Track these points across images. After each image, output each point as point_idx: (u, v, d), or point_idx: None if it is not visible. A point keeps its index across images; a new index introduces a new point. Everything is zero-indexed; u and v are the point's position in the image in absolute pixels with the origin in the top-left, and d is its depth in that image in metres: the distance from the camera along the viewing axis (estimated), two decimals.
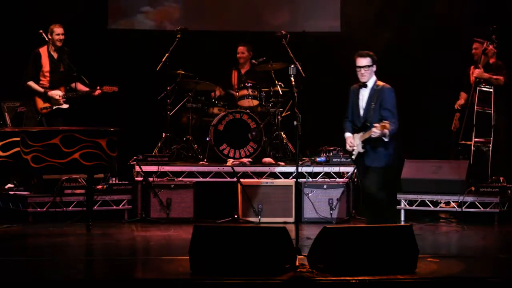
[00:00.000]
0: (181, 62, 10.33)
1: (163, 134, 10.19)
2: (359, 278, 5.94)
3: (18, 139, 7.90)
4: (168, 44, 10.25)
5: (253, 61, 10.50)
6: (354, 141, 7.42)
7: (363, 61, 7.43)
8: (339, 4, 11.68)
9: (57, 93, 9.60)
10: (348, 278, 5.94)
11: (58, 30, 9.60)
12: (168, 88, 10.20)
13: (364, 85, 7.42)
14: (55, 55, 9.66)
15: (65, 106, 9.68)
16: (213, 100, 10.38)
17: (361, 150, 7.35)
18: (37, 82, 9.62)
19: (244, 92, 10.19)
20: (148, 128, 10.75)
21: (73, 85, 9.61)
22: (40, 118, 9.65)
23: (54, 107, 9.63)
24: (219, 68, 10.85)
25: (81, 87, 9.68)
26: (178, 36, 10.29)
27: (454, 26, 11.37)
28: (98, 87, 9.70)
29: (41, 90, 9.58)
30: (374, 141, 7.25)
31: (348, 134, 7.52)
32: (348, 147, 7.50)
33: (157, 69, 10.10)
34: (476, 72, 9.79)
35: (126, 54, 11.13)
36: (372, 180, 7.36)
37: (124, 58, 11.09)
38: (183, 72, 10.25)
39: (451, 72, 10.85)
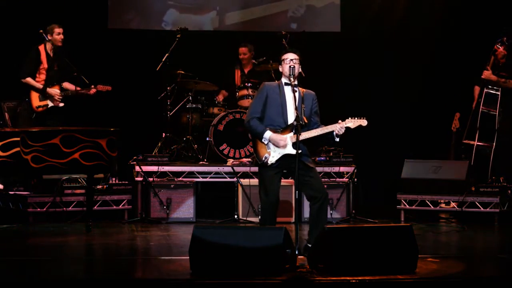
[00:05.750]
0: (181, 62, 10.33)
1: (163, 134, 10.19)
2: (359, 278, 5.94)
3: (18, 139, 7.90)
4: (168, 44, 10.25)
5: (253, 61, 10.53)
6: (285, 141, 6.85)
7: (296, 55, 6.94)
8: (339, 4, 11.68)
9: (55, 91, 9.58)
10: (348, 278, 5.93)
11: (59, 29, 9.59)
12: (168, 88, 10.21)
13: (290, 82, 6.83)
14: (51, 54, 9.64)
15: (61, 104, 9.66)
16: (214, 100, 10.40)
17: (291, 151, 6.77)
18: (34, 79, 9.59)
19: (244, 92, 10.20)
20: (148, 128, 10.75)
21: (64, 84, 9.59)
22: (35, 117, 9.61)
23: (50, 106, 9.61)
24: (219, 68, 10.86)
25: (71, 86, 9.65)
26: (178, 36, 10.29)
27: (455, 25, 11.39)
28: (93, 86, 9.63)
29: (40, 86, 9.54)
30: (307, 142, 6.87)
31: (276, 134, 6.84)
32: (282, 144, 6.80)
33: (157, 69, 10.11)
34: (484, 74, 9.79)
35: (126, 54, 11.13)
36: (321, 180, 7.04)
37: (124, 58, 11.09)
38: (183, 72, 10.26)
39: (451, 71, 10.86)
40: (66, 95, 9.64)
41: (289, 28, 11.48)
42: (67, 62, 9.57)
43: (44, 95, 9.58)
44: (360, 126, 6.91)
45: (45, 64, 9.60)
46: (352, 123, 6.89)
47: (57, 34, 9.58)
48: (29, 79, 9.55)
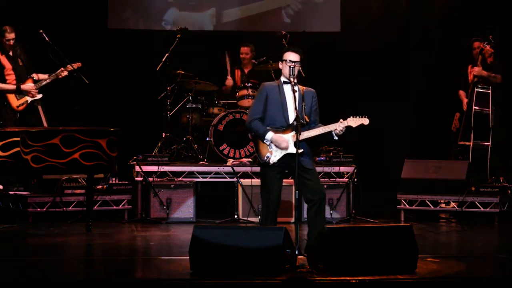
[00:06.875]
0: (181, 62, 10.33)
1: (163, 134, 10.19)
2: (359, 278, 5.94)
3: (18, 139, 7.90)
4: (168, 44, 10.25)
5: (253, 61, 10.53)
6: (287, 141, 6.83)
7: (298, 56, 6.91)
8: (339, 4, 11.69)
9: (29, 85, 9.53)
10: (348, 278, 5.94)
11: (9, 36, 9.45)
12: (168, 88, 10.20)
13: (290, 82, 6.83)
14: (10, 52, 9.57)
15: (39, 96, 9.59)
16: (214, 100, 10.41)
17: (293, 151, 6.70)
18: (4, 82, 9.50)
19: (244, 92, 10.20)
20: (148, 128, 10.76)
21: (34, 75, 9.54)
22: (19, 117, 9.50)
23: (30, 101, 9.56)
24: (219, 68, 10.85)
25: (43, 75, 9.60)
26: (178, 36, 10.29)
27: (454, 25, 11.39)
28: (62, 68, 9.50)
29: (13, 87, 9.46)
30: (309, 140, 6.87)
31: (278, 134, 6.83)
32: (284, 145, 6.79)
33: (157, 69, 10.11)
34: (475, 70, 9.79)
35: (126, 54, 11.13)
36: (319, 181, 7.00)
37: (124, 58, 11.09)
38: (183, 72, 10.26)
39: (451, 72, 10.86)
40: (41, 85, 9.58)
41: (288, 23, 11.49)
42: (66, 61, 9.54)
43: (19, 93, 9.52)
44: (361, 125, 6.91)
45: (8, 65, 9.52)
46: (353, 122, 6.88)
47: (7, 40, 9.48)
48: (0, 85, 9.50)
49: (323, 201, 6.87)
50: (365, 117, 6.90)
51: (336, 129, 6.83)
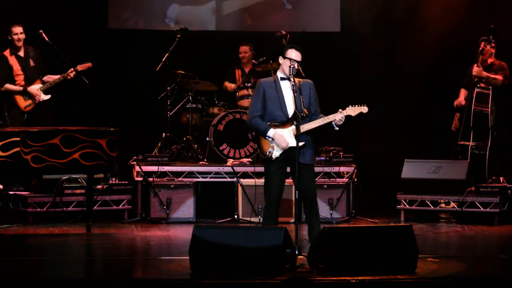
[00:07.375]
0: (181, 62, 10.33)
1: (163, 134, 10.19)
2: (359, 278, 5.94)
3: (18, 139, 7.91)
4: (168, 44, 10.25)
5: (253, 61, 10.52)
6: (286, 137, 6.85)
7: (300, 56, 6.94)
8: (339, 4, 11.69)
9: (35, 87, 9.51)
10: (348, 278, 5.94)
11: (16, 29, 9.47)
12: (168, 88, 10.21)
13: (288, 78, 6.87)
14: (21, 53, 9.56)
15: (47, 97, 9.57)
16: (214, 100, 10.41)
17: (295, 144, 6.69)
18: (13, 83, 9.50)
19: (244, 92, 10.20)
20: (148, 128, 10.75)
21: (45, 78, 9.52)
22: (26, 118, 9.51)
23: (37, 101, 9.55)
24: (219, 67, 10.85)
25: (53, 77, 9.58)
26: (178, 36, 10.30)
27: (454, 25, 11.38)
28: (72, 69, 9.48)
29: (20, 88, 9.45)
30: (308, 135, 6.89)
31: (278, 130, 6.86)
32: (284, 145, 6.81)
33: (157, 69, 10.11)
34: (475, 70, 9.79)
35: (126, 54, 11.13)
36: (312, 180, 6.99)
37: (124, 58, 11.08)
38: (183, 72, 10.26)
39: (451, 71, 10.85)
40: (48, 87, 9.54)
41: (290, 9, 11.50)
42: (37, 57, 9.53)
43: (26, 95, 9.50)
44: (361, 113, 6.93)
45: (17, 66, 9.50)
46: (352, 110, 6.91)
47: (15, 34, 9.48)
48: (7, 86, 9.44)
49: (314, 199, 6.93)
50: (363, 105, 6.94)
51: (335, 119, 6.86)
